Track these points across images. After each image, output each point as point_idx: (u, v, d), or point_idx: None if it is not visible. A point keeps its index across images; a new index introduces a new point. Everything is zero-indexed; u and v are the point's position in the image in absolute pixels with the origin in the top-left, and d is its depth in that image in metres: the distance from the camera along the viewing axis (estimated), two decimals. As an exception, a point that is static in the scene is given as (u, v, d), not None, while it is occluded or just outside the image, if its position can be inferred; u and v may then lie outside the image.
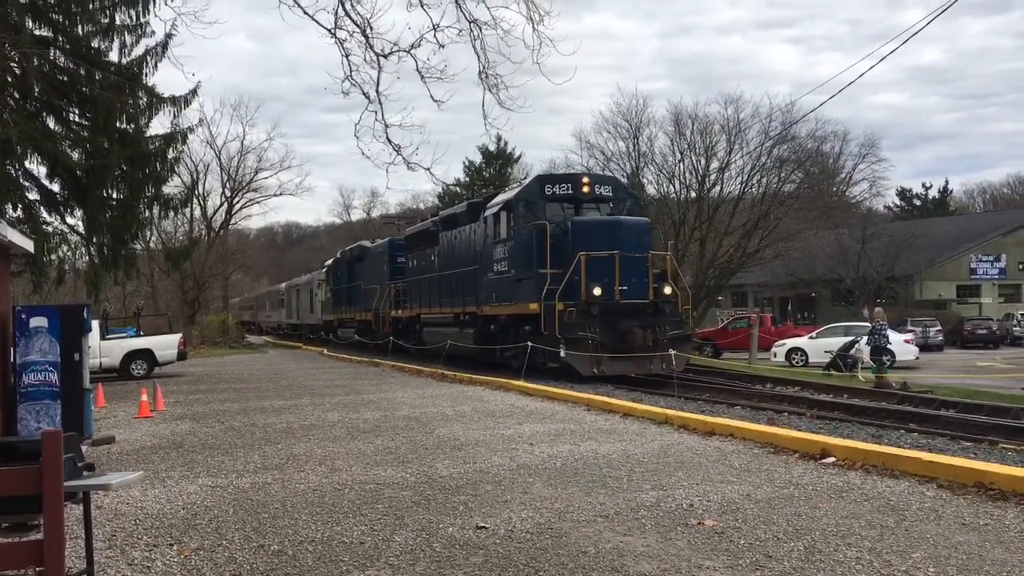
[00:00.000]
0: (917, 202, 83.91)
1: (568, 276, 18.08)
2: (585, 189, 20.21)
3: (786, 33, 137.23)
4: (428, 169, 14.52)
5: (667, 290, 18.94)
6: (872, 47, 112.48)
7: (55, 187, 21.82)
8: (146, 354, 25.03)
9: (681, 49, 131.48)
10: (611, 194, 20.86)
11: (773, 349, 30.51)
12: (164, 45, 20.69)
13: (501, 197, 21.97)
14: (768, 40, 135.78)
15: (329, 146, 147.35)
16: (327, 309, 42.42)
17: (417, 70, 13.33)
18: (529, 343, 18.81)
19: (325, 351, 37.36)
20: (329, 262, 43.77)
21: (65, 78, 20.57)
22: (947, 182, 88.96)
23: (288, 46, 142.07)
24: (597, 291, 17.97)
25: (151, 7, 20.15)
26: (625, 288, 18.43)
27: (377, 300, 31.83)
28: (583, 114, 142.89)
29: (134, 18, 20.60)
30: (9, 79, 18.84)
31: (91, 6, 20.00)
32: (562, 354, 17.66)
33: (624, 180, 39.54)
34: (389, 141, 13.82)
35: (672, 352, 17.67)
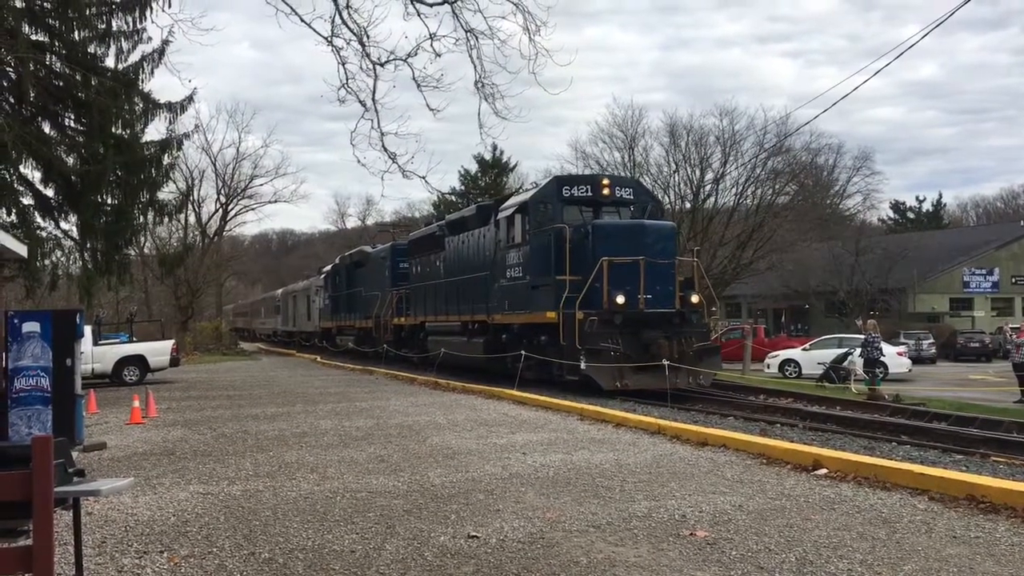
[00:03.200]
0: (911, 215, 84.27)
1: (589, 283, 17.18)
2: (605, 191, 19.27)
3: (784, 47, 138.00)
4: (423, 177, 14.45)
5: (694, 299, 18.07)
6: (869, 62, 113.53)
7: (49, 192, 21.83)
8: (139, 360, 24.94)
9: (680, 61, 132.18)
10: (632, 197, 19.87)
11: (766, 360, 30.55)
12: (161, 51, 20.79)
13: (515, 199, 21.02)
14: (766, 54, 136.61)
15: (329, 154, 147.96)
16: (325, 316, 41.61)
17: (414, 79, 13.40)
18: (523, 352, 18.68)
19: (319, 358, 37.29)
20: (327, 268, 42.93)
21: (61, 83, 20.61)
22: (940, 195, 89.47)
23: (290, 55, 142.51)
24: (620, 299, 17.06)
25: (148, 13, 20.21)
26: (650, 296, 17.48)
27: (378, 307, 31.09)
28: (583, 125, 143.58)
29: (131, 24, 20.66)
30: (5, 83, 18.85)
31: (88, 12, 20.03)
32: (582, 366, 16.71)
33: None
34: (385, 149, 13.88)
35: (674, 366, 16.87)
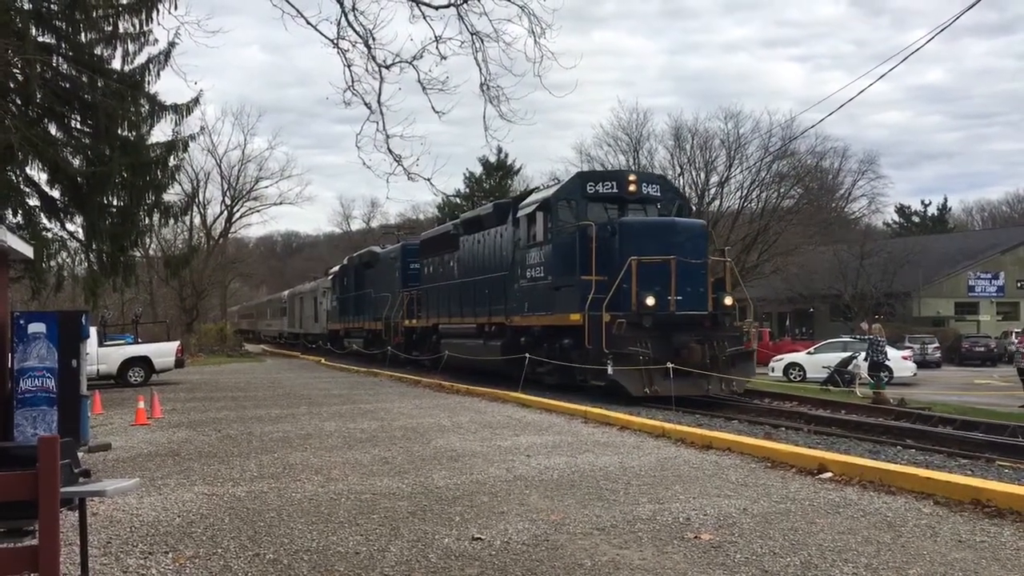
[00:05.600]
0: (916, 219, 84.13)
1: (617, 284, 16.42)
2: (631, 188, 18.45)
3: (792, 51, 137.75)
4: (428, 179, 14.47)
5: (727, 301, 17.39)
6: (875, 66, 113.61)
7: (55, 193, 21.88)
8: (144, 361, 24.98)
9: (688, 66, 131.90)
10: (659, 194, 19.05)
11: (771, 364, 30.51)
12: (167, 53, 20.78)
13: (536, 196, 20.11)
14: (774, 58, 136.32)
15: (337, 156, 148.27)
16: (333, 318, 41.14)
17: (419, 81, 13.42)
18: (527, 355, 18.60)
19: (323, 360, 37.32)
20: (335, 269, 42.44)
21: (67, 85, 20.65)
22: (946, 199, 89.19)
23: (300, 59, 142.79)
24: (650, 301, 16.26)
25: (154, 15, 20.22)
26: (681, 298, 16.72)
27: (388, 309, 30.53)
28: (589, 128, 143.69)
29: (137, 26, 20.65)
30: (12, 85, 18.90)
31: (95, 14, 20.07)
32: (610, 371, 15.91)
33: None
34: (390, 151, 13.90)
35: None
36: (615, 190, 18.57)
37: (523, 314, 19.53)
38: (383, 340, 31.02)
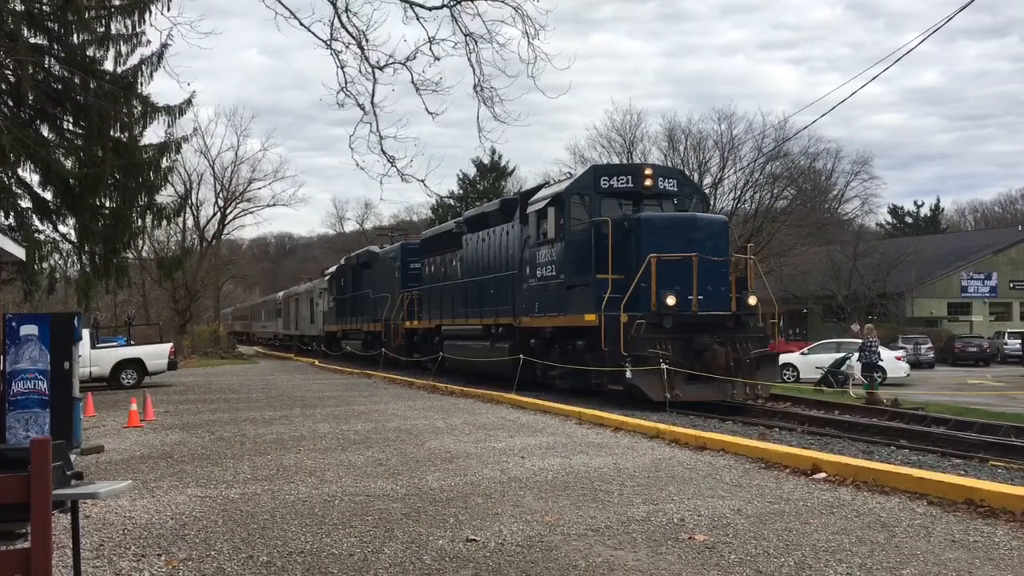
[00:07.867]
0: (909, 220, 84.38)
1: (635, 282, 15.84)
2: (647, 182, 17.73)
3: (788, 54, 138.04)
4: (422, 180, 14.38)
5: (751, 300, 16.72)
6: (869, 68, 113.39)
7: (48, 195, 21.79)
8: (136, 363, 24.90)
9: (685, 68, 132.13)
10: (675, 188, 18.36)
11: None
12: (160, 55, 20.73)
13: (547, 191, 19.23)
14: (770, 60, 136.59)
15: (333, 158, 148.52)
16: (330, 319, 40.72)
17: (413, 82, 13.42)
18: (522, 356, 18.55)
19: (317, 362, 37.27)
20: (332, 269, 42.07)
21: (59, 86, 20.56)
22: (938, 200, 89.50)
23: (298, 61, 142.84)
24: (671, 300, 15.64)
25: (147, 16, 20.17)
26: (702, 297, 16.07)
27: (388, 310, 30.07)
28: (584, 130, 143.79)
29: (130, 27, 20.60)
30: (3, 86, 18.84)
31: (87, 15, 20.00)
32: (628, 375, 15.38)
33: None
34: (384, 152, 13.90)
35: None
36: (630, 185, 17.84)
37: (533, 315, 18.86)
38: (382, 342, 30.46)
